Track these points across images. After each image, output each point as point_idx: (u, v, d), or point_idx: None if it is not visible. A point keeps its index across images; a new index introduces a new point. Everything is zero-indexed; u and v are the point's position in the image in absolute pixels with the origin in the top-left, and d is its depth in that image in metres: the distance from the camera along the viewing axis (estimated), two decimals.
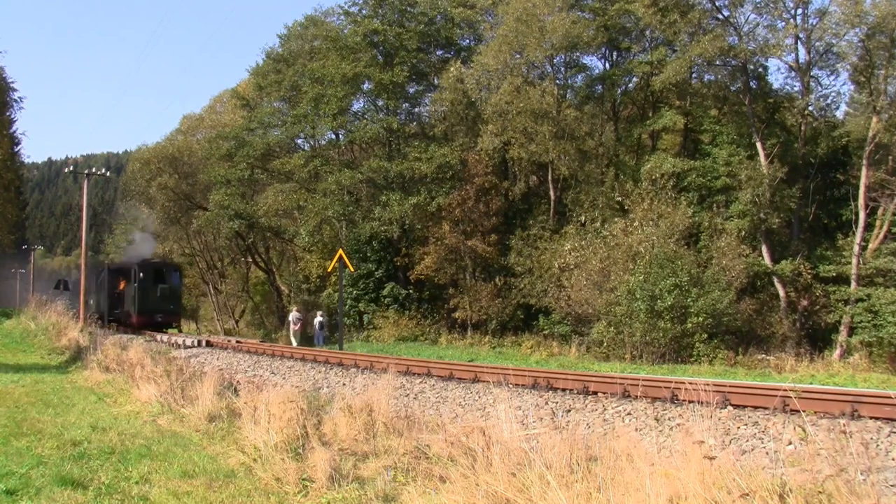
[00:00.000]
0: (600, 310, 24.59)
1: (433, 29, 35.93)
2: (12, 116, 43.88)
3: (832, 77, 36.65)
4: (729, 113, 31.08)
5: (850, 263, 25.96)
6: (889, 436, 6.68)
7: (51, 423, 8.81)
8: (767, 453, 6.70)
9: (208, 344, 24.49)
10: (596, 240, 26.94)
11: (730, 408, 8.06)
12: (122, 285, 37.04)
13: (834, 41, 27.04)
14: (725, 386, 9.13)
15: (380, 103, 36.43)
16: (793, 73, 28.80)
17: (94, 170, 36.01)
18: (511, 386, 10.26)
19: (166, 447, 7.53)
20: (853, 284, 25.62)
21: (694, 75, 30.99)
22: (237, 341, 24.73)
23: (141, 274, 33.18)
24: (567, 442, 5.11)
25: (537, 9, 29.79)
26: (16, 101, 42.79)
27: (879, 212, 26.66)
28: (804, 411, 6.62)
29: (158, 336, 27.83)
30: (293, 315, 29.10)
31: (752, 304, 25.76)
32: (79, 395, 11.71)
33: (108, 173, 40.79)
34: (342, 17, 38.56)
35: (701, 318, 22.36)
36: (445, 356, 23.64)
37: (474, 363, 17.72)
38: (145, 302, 32.70)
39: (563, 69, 33.72)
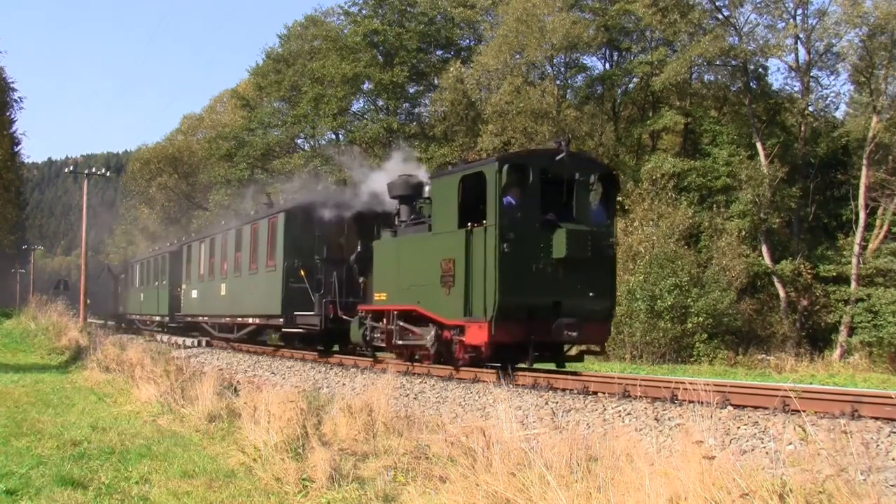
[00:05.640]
0: None
1: (433, 29, 35.97)
2: (12, 116, 43.89)
3: (832, 77, 36.80)
4: (729, 113, 31.14)
5: (850, 263, 25.98)
6: (889, 436, 6.68)
7: (51, 423, 8.80)
8: (767, 453, 6.70)
9: (208, 344, 24.47)
10: None
11: (730, 408, 8.05)
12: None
13: (834, 41, 27.11)
14: (725, 386, 9.12)
15: (380, 103, 36.48)
16: (793, 74, 28.87)
17: (94, 170, 36.03)
18: (511, 386, 10.26)
19: (166, 447, 7.52)
20: (853, 284, 25.64)
21: (694, 75, 31.02)
22: (236, 341, 24.68)
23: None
24: (567, 442, 5.11)
25: (537, 9, 29.81)
26: (16, 101, 42.82)
27: (879, 212, 26.68)
28: (804, 411, 6.62)
29: (158, 336, 27.75)
30: None
31: (752, 304, 25.78)
32: (79, 395, 11.70)
33: (108, 173, 40.79)
34: (342, 17, 38.68)
35: (701, 318, 22.38)
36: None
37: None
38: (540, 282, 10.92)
39: (563, 69, 33.75)
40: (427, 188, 13.19)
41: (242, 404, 8.53)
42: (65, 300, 33.84)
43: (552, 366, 12.01)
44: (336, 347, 17.42)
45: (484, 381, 10.87)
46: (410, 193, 13.48)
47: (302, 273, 16.34)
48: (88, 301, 37.01)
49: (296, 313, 16.41)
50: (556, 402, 9.52)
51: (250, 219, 19.88)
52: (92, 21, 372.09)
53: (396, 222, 13.67)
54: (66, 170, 47.69)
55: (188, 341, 24.46)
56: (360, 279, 14.88)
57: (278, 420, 6.94)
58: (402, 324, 12.70)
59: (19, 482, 5.98)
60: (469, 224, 11.00)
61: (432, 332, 11.93)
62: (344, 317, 14.96)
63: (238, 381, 11.59)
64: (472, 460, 5.09)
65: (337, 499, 5.55)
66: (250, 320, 19.33)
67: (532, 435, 6.15)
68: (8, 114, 42.53)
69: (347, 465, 6.09)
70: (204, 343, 24.46)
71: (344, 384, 13.13)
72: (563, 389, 10.27)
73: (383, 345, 13.62)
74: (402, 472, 5.93)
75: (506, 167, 10.81)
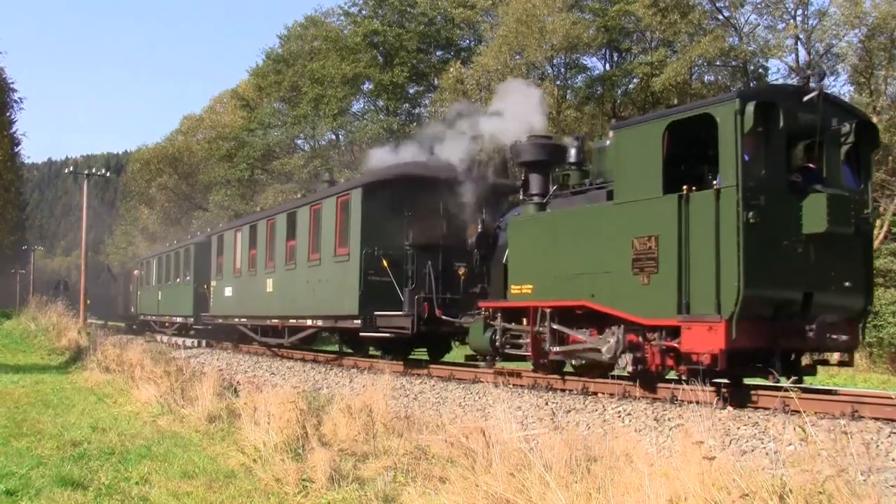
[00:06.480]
0: None
1: (433, 29, 35.99)
2: (12, 117, 44.02)
3: (832, 78, 36.69)
4: None
5: None
6: (889, 436, 6.68)
7: (51, 424, 8.81)
8: (767, 454, 6.70)
9: (208, 344, 24.47)
10: None
11: (730, 408, 8.05)
12: None
13: (834, 42, 27.12)
14: (725, 386, 9.13)
15: (380, 104, 36.49)
16: (793, 74, 28.86)
17: (94, 170, 36.05)
18: (511, 387, 10.26)
19: (166, 448, 7.53)
20: None
21: (694, 76, 31.01)
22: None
23: None
24: (566, 442, 5.12)
25: (537, 9, 29.81)
26: (16, 101, 42.95)
27: (879, 212, 26.69)
28: (804, 412, 6.61)
29: (158, 336, 27.72)
30: None
31: None
32: (79, 396, 11.71)
33: (108, 173, 40.83)
34: (342, 17, 38.70)
35: None
36: (445, 357, 23.49)
37: (474, 364, 17.31)
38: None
39: (563, 70, 33.75)
40: (572, 151, 10.78)
41: (242, 405, 8.54)
42: (65, 301, 33.83)
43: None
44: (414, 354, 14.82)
45: (483, 382, 10.86)
46: (546, 159, 11.07)
47: (385, 263, 13.20)
48: (88, 302, 36.95)
49: (376, 313, 13.36)
50: (556, 403, 9.52)
51: (309, 199, 16.73)
52: (93, 21, 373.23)
53: (522, 195, 11.30)
54: (66, 170, 47.75)
55: (188, 342, 24.45)
56: (460, 268, 12.49)
57: (278, 420, 6.95)
58: (558, 326, 9.90)
59: (19, 482, 5.98)
60: (684, 188, 8.07)
61: (615, 336, 8.89)
62: (443, 317, 12.53)
63: (238, 382, 11.60)
64: (471, 461, 5.10)
65: (337, 499, 5.55)
66: (309, 322, 15.79)
67: (532, 435, 6.15)
68: (8, 114, 42.62)
69: (347, 466, 6.09)
70: (204, 343, 24.47)
71: (343, 385, 13.13)
72: (563, 390, 10.27)
73: (525, 353, 10.55)
74: (401, 472, 5.93)
75: (750, 107, 7.63)
